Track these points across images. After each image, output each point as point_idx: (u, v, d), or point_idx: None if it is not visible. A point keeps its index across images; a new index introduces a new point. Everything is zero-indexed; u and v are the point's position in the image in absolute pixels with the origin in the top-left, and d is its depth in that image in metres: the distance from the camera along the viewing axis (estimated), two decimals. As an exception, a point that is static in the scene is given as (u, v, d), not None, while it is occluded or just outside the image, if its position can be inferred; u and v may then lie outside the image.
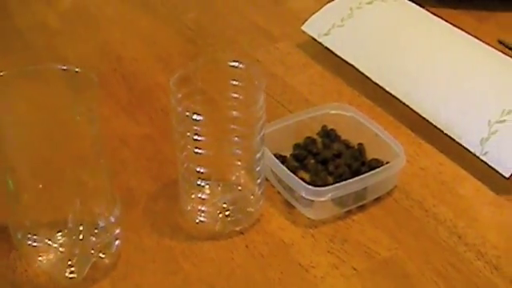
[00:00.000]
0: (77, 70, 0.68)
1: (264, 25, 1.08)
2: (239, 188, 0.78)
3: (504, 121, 0.81)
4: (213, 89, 0.75)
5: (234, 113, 0.72)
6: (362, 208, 0.78)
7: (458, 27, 0.97)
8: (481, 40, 0.94)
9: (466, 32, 0.96)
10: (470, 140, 0.83)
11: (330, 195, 0.75)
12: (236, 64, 0.73)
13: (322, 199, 0.75)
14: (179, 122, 0.71)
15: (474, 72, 0.87)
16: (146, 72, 0.98)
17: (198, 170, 0.73)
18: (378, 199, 0.79)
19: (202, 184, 0.75)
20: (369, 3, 0.98)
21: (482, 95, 0.84)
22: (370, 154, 0.82)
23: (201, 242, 0.74)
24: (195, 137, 0.70)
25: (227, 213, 0.76)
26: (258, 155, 0.74)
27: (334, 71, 0.98)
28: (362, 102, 0.92)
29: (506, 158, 0.80)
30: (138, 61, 1.01)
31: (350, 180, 0.76)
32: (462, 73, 0.88)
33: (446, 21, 0.98)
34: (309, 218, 0.77)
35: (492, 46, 0.94)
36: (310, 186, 0.75)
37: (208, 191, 0.76)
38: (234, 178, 0.78)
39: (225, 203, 0.77)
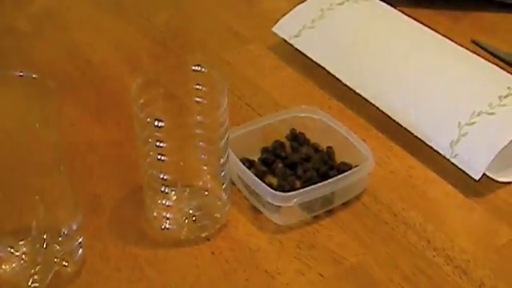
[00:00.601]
0: (34, 76, 0.67)
1: (235, 26, 1.06)
2: (206, 193, 0.77)
3: (474, 123, 0.80)
4: (176, 93, 0.74)
5: (199, 117, 0.71)
6: (330, 213, 0.77)
7: (432, 27, 0.96)
8: (454, 40, 0.94)
9: (440, 32, 0.95)
10: (440, 142, 0.82)
11: (296, 200, 0.74)
12: (199, 68, 0.72)
13: (289, 205, 0.74)
14: (141, 128, 0.70)
15: (444, 73, 0.87)
16: (114, 75, 0.97)
17: (161, 176, 0.72)
18: (346, 204, 0.78)
19: (167, 191, 0.73)
20: (340, 4, 0.96)
21: (452, 97, 0.84)
22: (340, 157, 0.81)
23: (166, 249, 0.73)
24: (158, 143, 0.69)
25: (193, 219, 0.75)
26: (223, 160, 0.73)
27: (305, 73, 0.96)
28: (332, 105, 0.91)
29: (475, 160, 0.79)
30: (107, 64, 1.00)
31: (317, 185, 0.75)
32: (432, 74, 0.87)
33: (420, 21, 0.97)
34: (276, 224, 0.76)
35: (465, 47, 0.93)
36: (276, 192, 0.74)
37: (174, 197, 0.75)
38: (200, 183, 0.77)
39: (191, 209, 0.76)
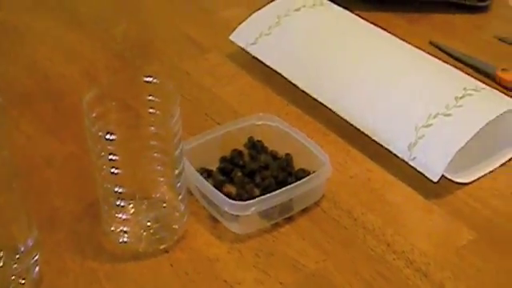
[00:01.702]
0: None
1: (194, 35, 1.06)
2: (164, 205, 0.77)
3: (430, 125, 0.80)
4: (129, 105, 0.73)
5: (152, 128, 0.71)
6: (289, 220, 0.77)
7: (390, 30, 0.96)
8: (412, 42, 0.94)
9: (398, 35, 0.95)
10: (398, 146, 0.82)
11: (254, 209, 0.73)
12: (151, 79, 0.72)
13: (247, 213, 0.74)
14: (94, 142, 0.69)
15: (401, 76, 0.86)
16: (72, 89, 0.96)
17: (117, 190, 0.71)
18: (305, 210, 0.78)
19: (123, 204, 0.73)
20: (296, 10, 0.96)
21: (408, 100, 0.84)
22: (298, 164, 0.81)
23: (125, 262, 0.73)
24: (111, 156, 0.69)
25: (151, 231, 0.75)
26: (178, 171, 0.72)
27: (263, 80, 0.96)
28: (290, 111, 0.91)
29: (433, 162, 0.79)
30: (66, 77, 0.99)
31: (274, 192, 0.74)
32: (389, 78, 0.87)
33: (377, 24, 0.97)
34: (234, 233, 0.75)
35: (423, 48, 0.93)
36: (233, 201, 0.74)
37: (131, 210, 0.75)
38: (158, 194, 0.76)
39: (149, 221, 0.75)
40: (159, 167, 0.73)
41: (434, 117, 0.80)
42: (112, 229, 0.74)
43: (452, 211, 0.78)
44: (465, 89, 0.83)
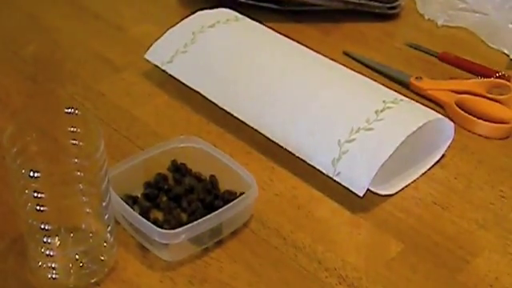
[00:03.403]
0: None
1: (106, 54, 1.03)
2: (91, 236, 0.75)
3: (353, 140, 0.81)
4: (51, 137, 0.71)
5: (76, 160, 0.69)
6: (219, 243, 0.76)
7: (304, 42, 0.96)
8: (326, 53, 0.94)
9: (312, 46, 0.95)
10: (321, 161, 0.82)
11: (184, 236, 0.72)
12: (72, 110, 0.70)
13: (177, 241, 0.73)
14: (17, 179, 0.67)
15: (319, 91, 0.87)
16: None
17: (42, 226, 0.69)
18: (235, 232, 0.77)
19: (49, 240, 0.70)
20: (211, 26, 0.95)
21: (329, 114, 0.84)
22: (223, 185, 0.81)
23: (54, 299, 0.71)
24: (35, 194, 0.66)
25: (80, 265, 0.72)
26: (105, 203, 0.71)
27: (182, 99, 0.94)
28: (211, 130, 0.90)
29: (358, 176, 0.79)
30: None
31: (204, 218, 0.73)
32: (308, 92, 0.87)
33: (292, 36, 0.97)
34: (166, 261, 0.74)
35: (337, 59, 0.94)
36: (162, 229, 0.72)
37: (57, 244, 0.72)
38: (84, 226, 0.74)
39: (77, 254, 0.73)
40: (85, 198, 0.71)
41: (357, 131, 0.81)
42: (39, 264, 0.72)
43: (379, 223, 0.79)
44: (384, 101, 0.84)
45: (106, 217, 0.72)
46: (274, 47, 0.94)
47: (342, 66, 0.92)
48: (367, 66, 1.02)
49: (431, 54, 1.05)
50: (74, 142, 0.70)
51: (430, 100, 0.96)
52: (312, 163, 0.83)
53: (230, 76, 0.91)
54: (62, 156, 0.71)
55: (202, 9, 1.01)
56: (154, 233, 0.72)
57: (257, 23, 0.99)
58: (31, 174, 0.65)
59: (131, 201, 0.79)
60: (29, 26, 1.10)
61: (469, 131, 0.92)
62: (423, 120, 0.82)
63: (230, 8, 1.02)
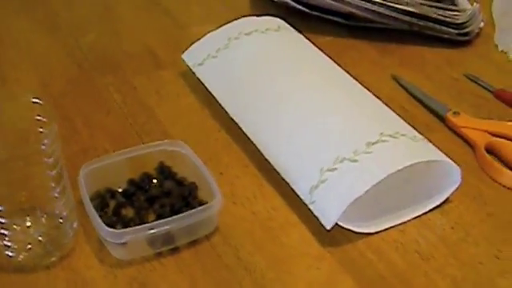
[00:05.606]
0: None
1: (157, 50, 1.05)
2: (60, 220, 0.77)
3: (335, 169, 0.77)
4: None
5: (39, 146, 0.72)
6: (175, 250, 0.76)
7: (357, 60, 0.92)
8: (374, 75, 0.90)
9: (363, 65, 0.91)
10: (301, 187, 0.79)
11: (129, 238, 0.73)
12: (37, 100, 0.73)
13: (120, 241, 0.73)
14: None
15: (321, 115, 0.83)
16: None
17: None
18: (194, 242, 0.77)
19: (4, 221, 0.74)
20: (247, 34, 0.94)
21: (319, 140, 0.80)
22: (203, 193, 0.80)
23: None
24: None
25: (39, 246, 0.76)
26: (58, 189, 0.74)
27: (204, 103, 0.95)
28: (220, 137, 0.90)
29: (330, 208, 0.75)
30: (20, 81, 1.01)
31: (153, 223, 0.74)
32: (309, 115, 0.83)
33: (346, 53, 0.93)
34: (117, 258, 0.75)
35: (382, 83, 0.89)
36: (109, 228, 0.73)
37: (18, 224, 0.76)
38: (58, 212, 0.77)
39: (40, 236, 0.76)
40: (53, 184, 0.74)
41: (341, 161, 0.77)
42: (-2, 242, 0.76)
43: (344, 261, 0.75)
44: (381, 134, 0.78)
45: (62, 202, 0.75)
46: (296, 63, 0.91)
47: (363, 89, 0.88)
48: (410, 93, 0.96)
49: (488, 90, 0.97)
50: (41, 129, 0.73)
51: (462, 138, 0.89)
52: (293, 187, 0.80)
53: (244, 87, 0.90)
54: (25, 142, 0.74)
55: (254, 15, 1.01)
56: (102, 230, 0.74)
57: (297, 35, 0.97)
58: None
59: (109, 194, 0.81)
60: (99, 15, 1.15)
61: (492, 179, 0.84)
62: (414, 160, 0.76)
63: (297, 16, 1.00)
